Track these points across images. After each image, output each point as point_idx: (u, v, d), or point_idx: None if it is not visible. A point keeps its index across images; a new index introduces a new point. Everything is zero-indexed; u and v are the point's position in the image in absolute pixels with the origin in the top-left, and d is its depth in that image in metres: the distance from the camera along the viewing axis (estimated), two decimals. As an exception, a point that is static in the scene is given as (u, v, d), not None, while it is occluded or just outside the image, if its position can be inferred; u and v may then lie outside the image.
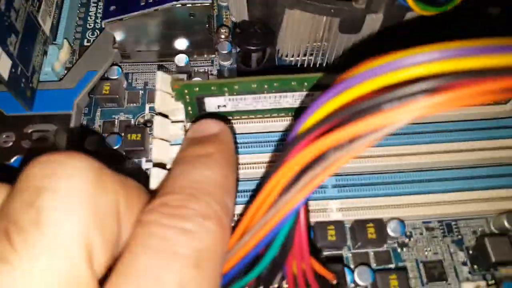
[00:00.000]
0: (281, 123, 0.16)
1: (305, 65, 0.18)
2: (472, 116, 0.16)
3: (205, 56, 0.19)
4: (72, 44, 0.19)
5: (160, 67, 0.19)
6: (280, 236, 0.10)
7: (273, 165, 0.10)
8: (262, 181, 0.11)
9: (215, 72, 0.19)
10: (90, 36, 0.20)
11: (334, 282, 0.12)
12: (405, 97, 0.08)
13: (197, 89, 0.15)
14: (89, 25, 0.20)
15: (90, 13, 0.20)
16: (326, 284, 0.12)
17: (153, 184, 0.13)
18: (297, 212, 0.10)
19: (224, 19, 0.20)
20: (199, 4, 0.16)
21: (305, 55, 0.18)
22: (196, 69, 0.19)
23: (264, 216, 0.10)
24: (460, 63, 0.08)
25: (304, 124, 0.10)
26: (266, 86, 0.15)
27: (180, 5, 0.16)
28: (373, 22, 0.15)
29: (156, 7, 0.16)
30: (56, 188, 0.09)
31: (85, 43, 0.19)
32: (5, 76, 0.14)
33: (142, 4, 0.16)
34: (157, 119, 0.15)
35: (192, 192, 0.10)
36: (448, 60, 0.08)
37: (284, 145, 0.14)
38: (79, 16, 0.20)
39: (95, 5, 0.20)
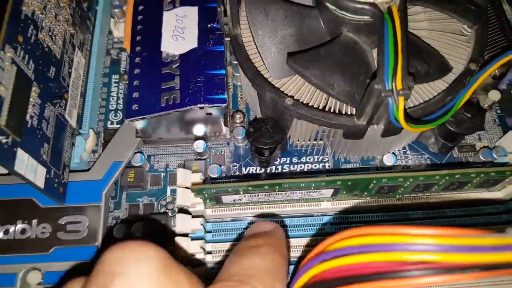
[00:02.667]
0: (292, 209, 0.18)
1: (313, 151, 0.20)
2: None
3: (221, 138, 0.20)
4: (96, 127, 0.21)
5: (181, 166, 0.20)
6: None
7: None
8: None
9: (228, 151, 0.20)
10: (113, 118, 0.21)
11: None
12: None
13: (214, 191, 0.17)
14: (112, 107, 0.22)
15: (112, 94, 0.22)
16: None
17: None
18: None
19: (239, 99, 0.22)
20: (217, 106, 0.17)
21: (314, 140, 0.19)
22: (213, 151, 0.20)
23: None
24: (449, 257, 0.09)
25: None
26: (277, 188, 0.17)
27: (198, 108, 0.17)
28: (375, 131, 0.16)
29: (175, 110, 0.17)
30: (127, 272, 0.10)
31: (109, 125, 0.21)
32: (42, 185, 0.16)
33: (162, 105, 0.18)
34: (179, 216, 0.17)
35: (241, 278, 0.11)
36: (439, 253, 0.09)
37: None
38: (102, 97, 0.22)
39: (116, 85, 0.22)
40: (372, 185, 0.16)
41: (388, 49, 0.14)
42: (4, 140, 0.13)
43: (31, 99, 0.16)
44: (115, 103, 0.22)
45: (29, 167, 0.15)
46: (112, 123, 0.21)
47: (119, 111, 0.21)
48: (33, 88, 0.16)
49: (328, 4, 0.16)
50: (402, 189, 0.17)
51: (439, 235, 0.09)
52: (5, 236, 0.17)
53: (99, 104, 0.21)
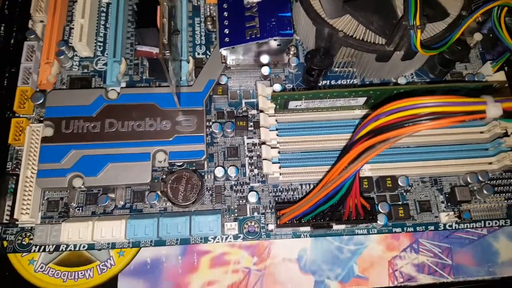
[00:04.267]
0: (337, 114, 0.25)
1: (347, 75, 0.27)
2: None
3: (280, 65, 0.28)
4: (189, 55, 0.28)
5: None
6: (346, 185, 0.20)
7: (344, 152, 0.20)
8: (337, 159, 0.20)
9: (284, 76, 0.28)
10: (199, 50, 0.28)
11: (368, 208, 0.22)
12: (414, 122, 0.17)
13: (286, 97, 0.24)
14: (197, 42, 0.29)
15: (196, 32, 0.29)
16: (365, 211, 0.22)
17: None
18: (355, 175, 0.20)
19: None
20: (285, 39, 0.25)
21: (350, 67, 0.27)
22: (273, 75, 0.28)
23: (338, 175, 0.20)
24: (441, 109, 0.17)
25: (358, 135, 0.19)
26: (328, 95, 0.24)
27: (273, 40, 0.25)
28: (397, 56, 0.24)
29: (258, 41, 0.25)
30: None
31: (196, 56, 0.28)
32: (174, 91, 0.23)
33: (247, 38, 0.25)
34: (261, 115, 0.25)
35: None
36: (436, 107, 0.17)
37: (348, 145, 0.22)
38: (189, 35, 0.29)
39: (198, 25, 0.29)
40: (394, 93, 0.24)
41: (411, -2, 0.21)
42: (167, 54, 0.21)
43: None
44: (199, 39, 0.29)
45: (171, 75, 0.22)
46: (198, 54, 0.28)
47: (203, 45, 0.29)
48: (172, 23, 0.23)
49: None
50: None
51: (438, 97, 0.17)
52: (139, 128, 0.25)
53: (188, 41, 0.28)
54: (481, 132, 0.25)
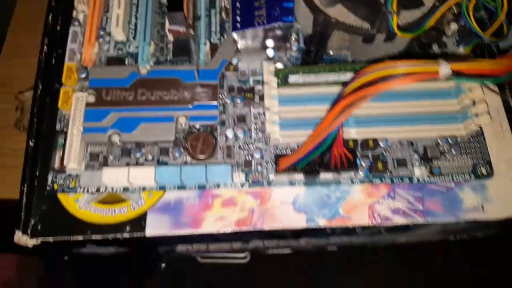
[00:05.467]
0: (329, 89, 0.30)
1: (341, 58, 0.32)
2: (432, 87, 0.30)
3: (282, 49, 0.33)
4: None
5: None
6: (331, 136, 0.25)
7: (331, 106, 0.24)
8: (326, 113, 0.25)
9: (285, 59, 0.33)
10: (214, 36, 0.34)
11: (352, 160, 0.27)
12: (391, 78, 0.22)
13: (287, 71, 0.29)
14: (212, 29, 0.34)
15: (211, 21, 0.34)
16: (349, 161, 0.27)
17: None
18: (339, 128, 0.25)
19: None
20: (288, 25, 0.30)
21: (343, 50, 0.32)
22: (276, 57, 0.33)
23: (325, 128, 0.25)
24: (406, 69, 0.22)
25: (345, 90, 0.24)
26: (322, 70, 0.29)
27: (277, 26, 0.30)
28: (380, 38, 0.29)
29: (264, 26, 0.30)
30: None
31: (211, 40, 0.33)
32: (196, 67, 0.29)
33: (255, 24, 0.30)
34: (266, 87, 0.30)
35: None
36: (403, 68, 0.22)
37: (336, 98, 0.27)
38: (206, 23, 0.34)
39: (214, 16, 0.34)
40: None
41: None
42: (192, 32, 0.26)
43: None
44: (214, 27, 0.34)
45: (194, 50, 0.28)
46: (213, 39, 0.34)
47: (218, 32, 0.34)
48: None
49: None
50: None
51: (405, 61, 0.22)
52: (165, 97, 0.30)
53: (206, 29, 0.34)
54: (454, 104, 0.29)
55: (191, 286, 0.93)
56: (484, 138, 0.29)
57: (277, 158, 0.27)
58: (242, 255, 0.80)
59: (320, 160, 0.26)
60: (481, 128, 0.29)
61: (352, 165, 0.27)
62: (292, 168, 0.26)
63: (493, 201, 0.28)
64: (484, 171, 0.28)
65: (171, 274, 0.93)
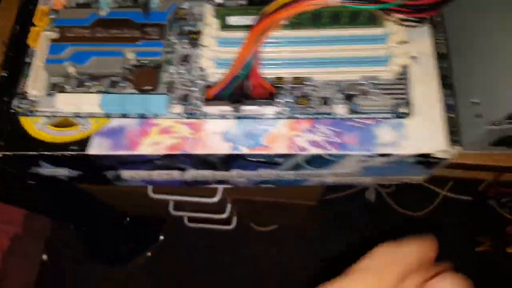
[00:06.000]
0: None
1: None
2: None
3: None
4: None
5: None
6: (248, 64, 0.27)
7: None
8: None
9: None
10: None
11: (274, 92, 0.29)
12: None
13: (226, 11, 0.32)
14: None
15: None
16: (270, 93, 0.29)
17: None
18: (255, 54, 0.27)
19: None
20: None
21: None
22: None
23: (242, 56, 0.27)
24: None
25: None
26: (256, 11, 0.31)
27: (219, -30, 0.32)
28: None
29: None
30: None
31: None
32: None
33: (201, -31, 0.32)
34: (207, 28, 0.32)
35: None
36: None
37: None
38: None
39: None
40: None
41: None
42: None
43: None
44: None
45: (136, -11, 0.30)
46: (171, -14, 0.36)
47: (175, -20, 0.37)
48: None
49: None
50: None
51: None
52: (118, 35, 0.33)
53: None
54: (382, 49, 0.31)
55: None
56: (408, 80, 0.30)
57: (206, 88, 0.30)
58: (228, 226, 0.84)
59: (242, 91, 0.29)
60: (406, 70, 0.30)
61: (273, 98, 0.29)
62: (219, 98, 0.29)
63: (409, 138, 0.29)
64: (403, 110, 0.30)
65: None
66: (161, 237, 1.03)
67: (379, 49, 0.30)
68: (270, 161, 0.31)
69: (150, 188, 0.62)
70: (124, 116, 0.32)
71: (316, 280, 0.18)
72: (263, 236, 0.98)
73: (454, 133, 0.29)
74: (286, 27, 0.32)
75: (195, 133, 0.31)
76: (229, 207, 0.76)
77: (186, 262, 0.99)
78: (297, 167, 0.32)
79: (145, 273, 0.99)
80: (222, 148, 0.30)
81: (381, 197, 0.95)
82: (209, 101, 0.29)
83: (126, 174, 0.34)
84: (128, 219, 0.93)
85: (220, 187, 0.63)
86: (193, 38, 0.33)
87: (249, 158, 0.31)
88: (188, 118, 0.31)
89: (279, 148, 0.30)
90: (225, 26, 0.32)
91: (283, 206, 0.73)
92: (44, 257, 0.98)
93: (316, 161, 0.31)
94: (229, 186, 0.36)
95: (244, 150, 0.30)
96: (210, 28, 0.32)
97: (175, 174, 0.34)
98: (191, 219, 0.88)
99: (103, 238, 0.98)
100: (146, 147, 0.31)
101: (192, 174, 0.34)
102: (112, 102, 0.31)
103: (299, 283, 0.92)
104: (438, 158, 0.29)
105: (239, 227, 0.86)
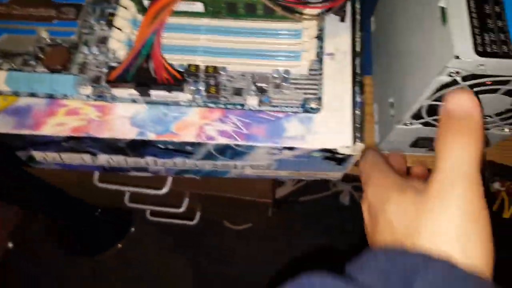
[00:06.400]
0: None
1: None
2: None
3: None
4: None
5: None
6: (148, 44, 0.27)
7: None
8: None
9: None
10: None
11: (180, 78, 0.29)
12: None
13: (143, -4, 0.31)
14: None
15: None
16: (176, 79, 0.29)
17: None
18: (156, 32, 0.27)
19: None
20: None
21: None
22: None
23: (142, 35, 0.27)
24: None
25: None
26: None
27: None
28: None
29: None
30: None
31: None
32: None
33: (122, -49, 0.32)
34: (121, 9, 0.32)
35: None
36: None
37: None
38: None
39: None
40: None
41: None
42: None
43: None
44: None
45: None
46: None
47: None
48: None
49: None
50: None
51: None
52: (34, 14, 0.32)
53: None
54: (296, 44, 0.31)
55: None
56: (321, 76, 0.31)
57: (110, 69, 0.29)
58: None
59: (147, 74, 0.28)
60: (320, 66, 0.31)
61: (181, 85, 0.29)
62: (123, 79, 0.28)
63: (316, 133, 0.29)
64: (313, 105, 0.30)
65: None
66: (132, 229, 1.01)
67: (294, 44, 0.30)
68: (181, 149, 0.30)
69: (96, 177, 0.60)
70: (32, 95, 0.31)
71: (278, 279, 0.19)
72: (232, 233, 0.97)
73: (358, 129, 0.29)
74: (204, 15, 0.31)
75: (103, 116, 0.30)
76: (186, 201, 0.75)
77: (151, 256, 0.98)
78: (210, 156, 0.31)
79: (113, 263, 0.97)
80: (128, 133, 0.30)
81: (354, 200, 0.97)
82: (111, 82, 0.28)
83: (38, 155, 0.33)
84: (99, 210, 0.92)
85: (169, 178, 0.62)
86: (110, 20, 0.33)
87: (158, 145, 0.30)
88: (96, 100, 0.30)
89: (187, 136, 0.29)
90: (142, 10, 0.31)
91: (245, 203, 0.72)
92: (10, 245, 0.96)
93: (227, 151, 0.30)
94: (150, 174, 0.35)
95: (151, 136, 0.29)
96: (127, 11, 0.31)
97: (86, 158, 0.33)
98: (153, 213, 0.86)
99: (73, 229, 0.96)
100: (50, 128, 0.30)
101: (104, 158, 0.33)
102: (18, 80, 0.30)
103: (265, 281, 0.92)
104: (343, 154, 0.29)
105: (211, 224, 0.86)
